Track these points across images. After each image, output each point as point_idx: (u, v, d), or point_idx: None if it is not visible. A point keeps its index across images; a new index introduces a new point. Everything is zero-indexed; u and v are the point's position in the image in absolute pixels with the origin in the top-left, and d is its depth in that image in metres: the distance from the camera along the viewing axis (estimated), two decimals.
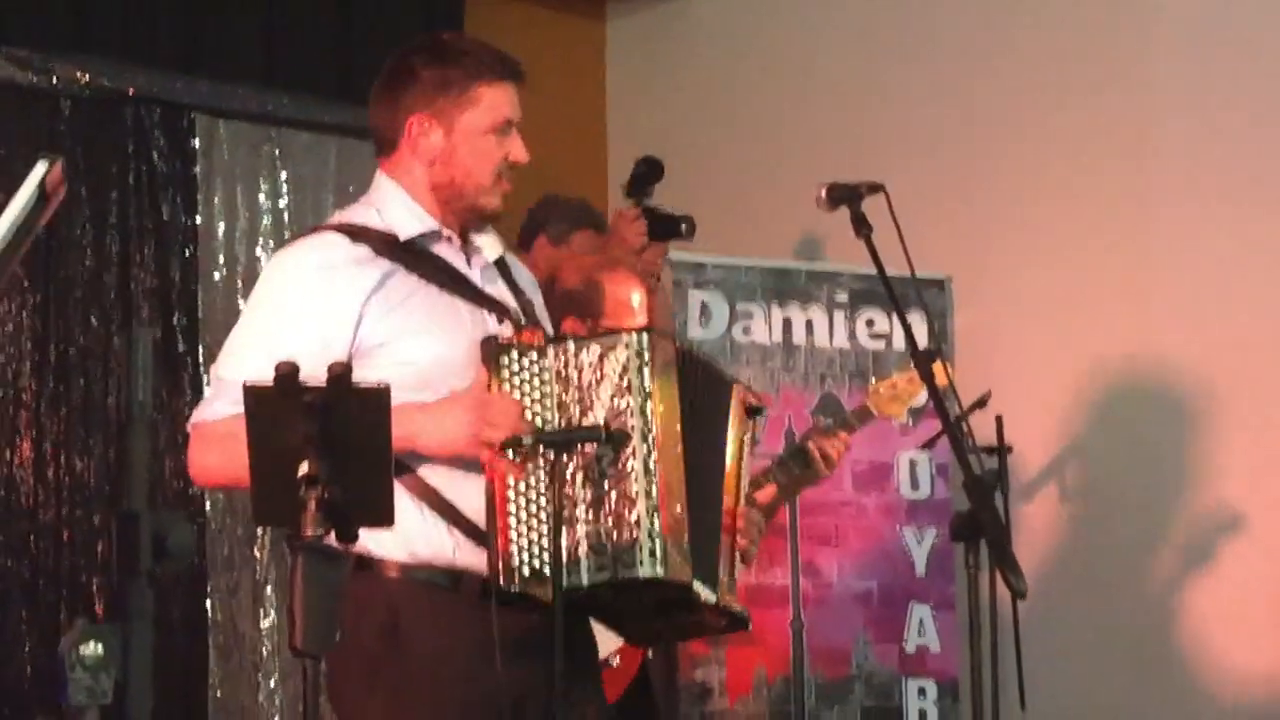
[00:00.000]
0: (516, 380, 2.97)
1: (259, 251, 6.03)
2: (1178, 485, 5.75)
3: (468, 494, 3.00)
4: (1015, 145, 6.16)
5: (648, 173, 5.12)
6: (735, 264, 6.05)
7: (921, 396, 4.81)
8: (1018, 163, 6.15)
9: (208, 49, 5.93)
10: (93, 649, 2.07)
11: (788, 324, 5.90)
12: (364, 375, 2.86)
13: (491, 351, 2.98)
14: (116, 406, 5.56)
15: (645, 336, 2.97)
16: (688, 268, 6.02)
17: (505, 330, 3.06)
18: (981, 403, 5.13)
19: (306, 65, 6.21)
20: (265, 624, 5.87)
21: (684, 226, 5.01)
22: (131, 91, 5.67)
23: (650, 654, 4.18)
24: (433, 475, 3.01)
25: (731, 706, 5.74)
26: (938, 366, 3.54)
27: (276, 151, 6.12)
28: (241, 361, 2.95)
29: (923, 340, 4.93)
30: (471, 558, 2.99)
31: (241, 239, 6.00)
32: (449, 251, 3.13)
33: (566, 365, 2.97)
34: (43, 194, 2.17)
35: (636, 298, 4.02)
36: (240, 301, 5.92)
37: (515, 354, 2.98)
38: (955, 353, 5.93)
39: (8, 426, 5.36)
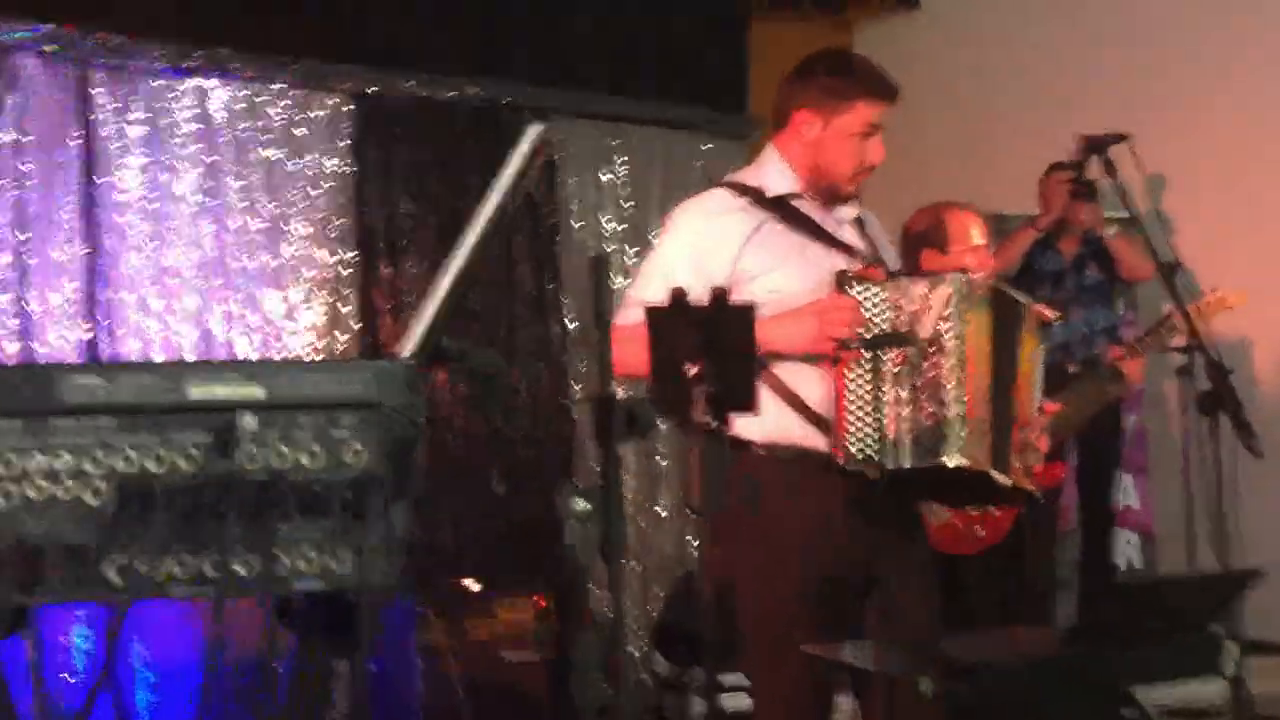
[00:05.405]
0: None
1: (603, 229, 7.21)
2: None
3: (812, 388, 3.48)
4: (1266, 108, 6.46)
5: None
6: None
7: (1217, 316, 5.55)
8: (1262, 127, 6.43)
9: (561, 63, 7.08)
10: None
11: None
12: (739, 299, 3.23)
13: (841, 280, 3.44)
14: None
15: (964, 278, 3.43)
16: None
17: (855, 266, 3.55)
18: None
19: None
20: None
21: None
22: (505, 101, 6.82)
23: (1027, 524, 5.06)
24: (785, 373, 3.49)
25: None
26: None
27: (617, 143, 7.24)
28: (645, 285, 3.56)
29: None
30: (813, 440, 3.48)
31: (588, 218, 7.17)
32: (811, 208, 3.61)
33: (901, 296, 3.40)
34: (534, 154, 2.48)
35: (975, 231, 4.54)
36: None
37: (858, 284, 3.42)
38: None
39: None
